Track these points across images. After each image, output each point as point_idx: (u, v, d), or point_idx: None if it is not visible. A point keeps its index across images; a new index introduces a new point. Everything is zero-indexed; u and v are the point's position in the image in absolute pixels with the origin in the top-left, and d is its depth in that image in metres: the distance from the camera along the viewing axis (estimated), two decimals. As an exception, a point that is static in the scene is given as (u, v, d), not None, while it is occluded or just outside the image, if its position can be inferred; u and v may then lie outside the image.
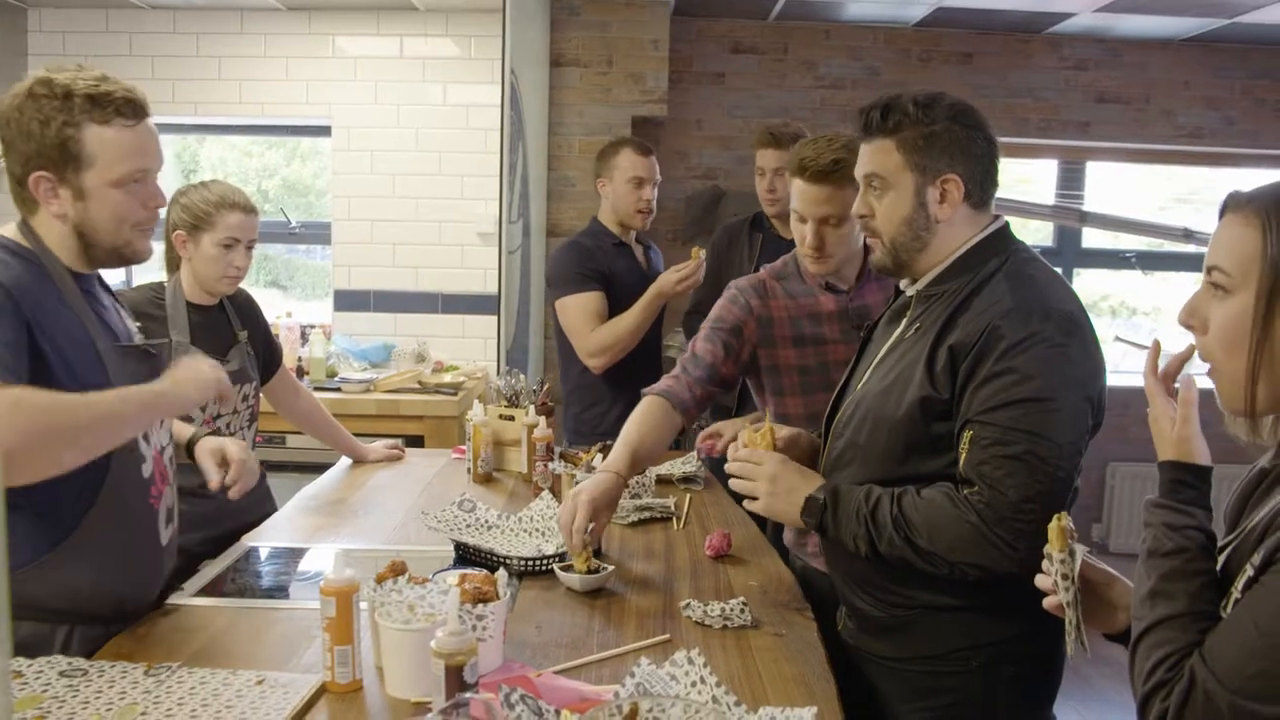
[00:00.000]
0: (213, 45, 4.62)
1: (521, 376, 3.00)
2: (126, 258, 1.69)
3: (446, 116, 4.64)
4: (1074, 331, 1.60)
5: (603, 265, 3.24)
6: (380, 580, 1.60)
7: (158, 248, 2.03)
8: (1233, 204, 1.17)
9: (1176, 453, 1.22)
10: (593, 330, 3.17)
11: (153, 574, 1.77)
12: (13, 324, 1.49)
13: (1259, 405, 1.14)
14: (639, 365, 3.20)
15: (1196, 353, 1.23)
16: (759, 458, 1.80)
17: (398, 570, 1.62)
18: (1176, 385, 1.26)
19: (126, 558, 1.68)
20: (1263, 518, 1.14)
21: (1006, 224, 1.75)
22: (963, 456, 1.59)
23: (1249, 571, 1.10)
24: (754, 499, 1.80)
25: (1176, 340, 1.31)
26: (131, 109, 1.62)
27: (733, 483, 1.84)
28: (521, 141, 3.99)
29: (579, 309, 3.19)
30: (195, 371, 1.72)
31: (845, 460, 1.77)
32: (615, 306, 3.21)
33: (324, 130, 4.75)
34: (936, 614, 1.69)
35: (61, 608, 1.61)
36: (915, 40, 4.97)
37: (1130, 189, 5.48)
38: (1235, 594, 1.11)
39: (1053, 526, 1.31)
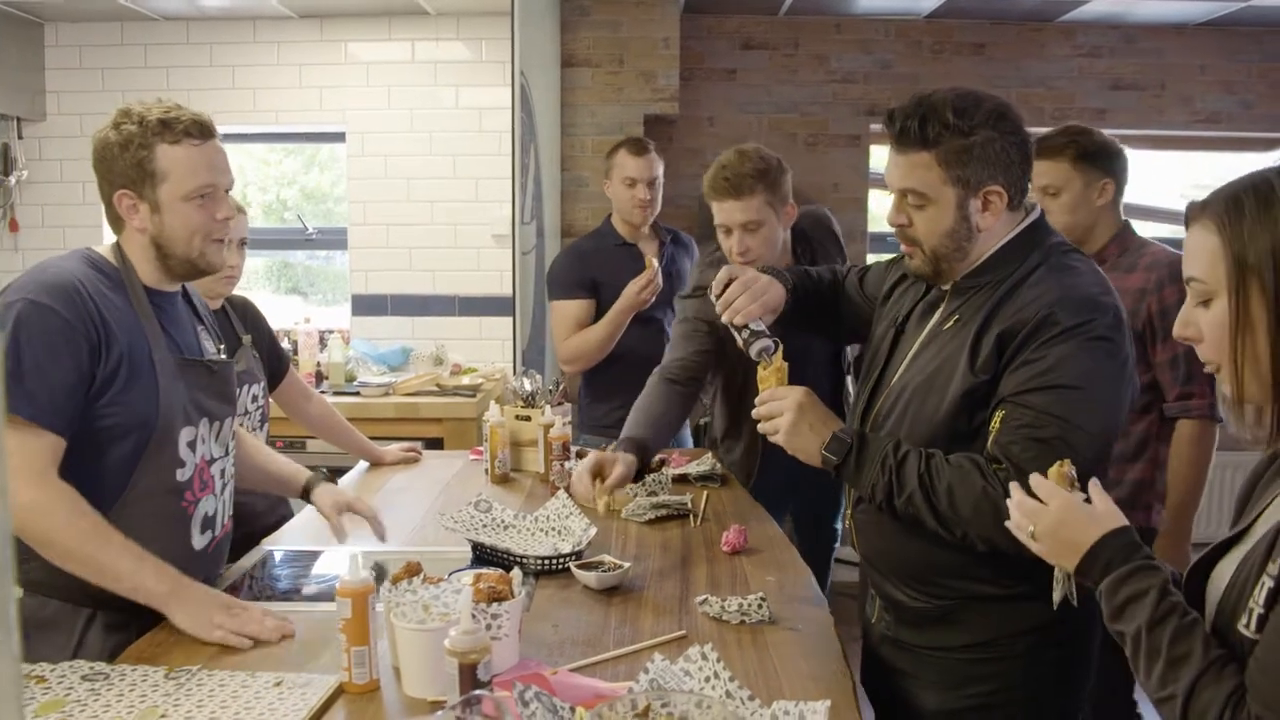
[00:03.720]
0: (226, 55, 4.65)
1: (538, 377, 3.01)
2: (201, 268, 1.85)
3: (459, 120, 4.66)
4: (1119, 327, 1.60)
5: (595, 271, 3.35)
6: (395, 581, 1.61)
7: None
8: (1192, 214, 1.20)
9: (1115, 522, 1.26)
10: (567, 338, 3.34)
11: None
12: (71, 361, 1.65)
13: (1246, 394, 1.17)
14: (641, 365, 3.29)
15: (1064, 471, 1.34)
16: (783, 392, 1.75)
17: (413, 571, 1.64)
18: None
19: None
20: (1273, 527, 1.13)
21: (1042, 214, 1.73)
22: (992, 434, 1.59)
23: (1268, 583, 1.08)
24: (774, 433, 1.74)
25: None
26: (199, 129, 1.79)
27: (760, 425, 1.78)
28: (533, 143, 4.00)
29: (560, 315, 3.38)
30: (199, 610, 1.69)
31: None
32: (608, 308, 3.30)
33: (339, 136, 4.77)
34: (981, 603, 1.69)
35: (87, 590, 1.69)
36: (927, 32, 4.94)
37: (1149, 176, 5.42)
38: (1256, 608, 1.09)
39: (1053, 471, 1.32)
